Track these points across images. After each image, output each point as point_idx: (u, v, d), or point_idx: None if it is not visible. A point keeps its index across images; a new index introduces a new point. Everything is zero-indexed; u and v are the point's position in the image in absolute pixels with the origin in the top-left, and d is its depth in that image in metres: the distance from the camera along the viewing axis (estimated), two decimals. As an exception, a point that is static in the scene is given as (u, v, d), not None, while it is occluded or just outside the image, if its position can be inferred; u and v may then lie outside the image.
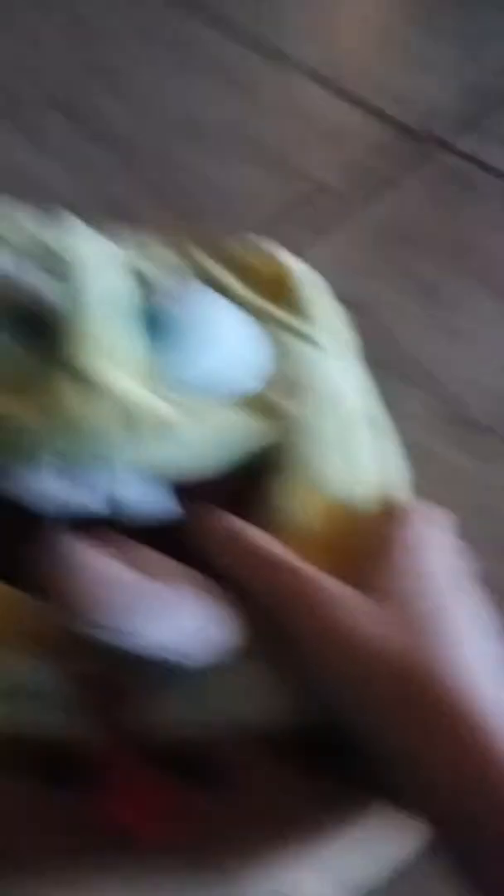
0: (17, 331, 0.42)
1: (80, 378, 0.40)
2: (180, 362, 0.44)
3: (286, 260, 0.53)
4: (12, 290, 0.45)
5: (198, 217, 0.66)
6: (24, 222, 0.51)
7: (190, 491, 0.41)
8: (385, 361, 0.47)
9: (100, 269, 0.42)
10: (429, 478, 0.43)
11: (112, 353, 0.41)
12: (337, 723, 0.32)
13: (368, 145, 0.78)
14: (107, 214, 0.59)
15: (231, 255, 0.52)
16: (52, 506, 0.39)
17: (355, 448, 0.43)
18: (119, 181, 0.68)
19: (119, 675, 0.34)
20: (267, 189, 0.73)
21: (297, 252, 0.52)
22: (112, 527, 0.40)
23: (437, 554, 0.35)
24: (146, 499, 0.40)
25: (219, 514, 0.37)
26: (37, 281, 0.46)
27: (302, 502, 0.40)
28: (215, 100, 0.76)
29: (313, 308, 0.51)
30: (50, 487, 0.39)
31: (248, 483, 0.42)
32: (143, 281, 0.50)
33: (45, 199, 0.61)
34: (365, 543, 0.36)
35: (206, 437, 0.42)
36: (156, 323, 0.44)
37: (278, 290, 0.51)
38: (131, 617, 0.32)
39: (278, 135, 0.77)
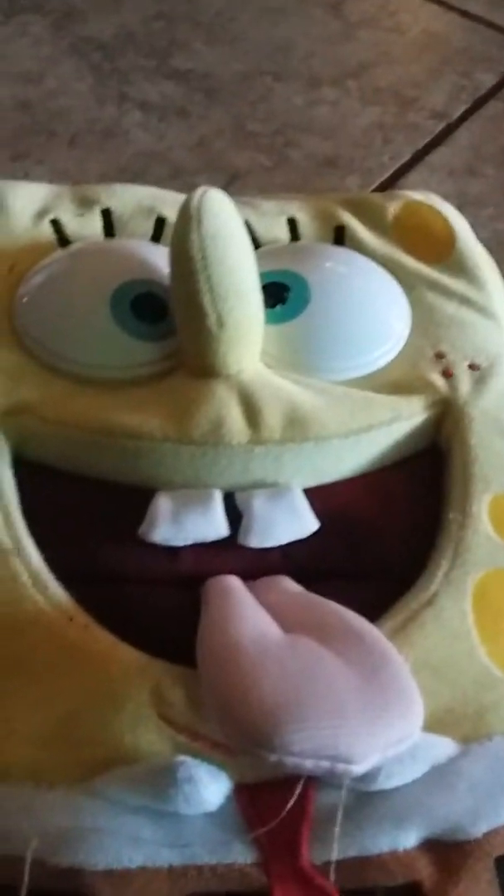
0: (136, 318, 0.39)
1: (206, 372, 0.37)
2: (314, 336, 0.40)
3: (448, 214, 0.46)
4: (128, 272, 0.40)
5: (305, 159, 0.60)
6: (139, 194, 0.46)
7: (328, 497, 0.37)
8: None
9: (222, 237, 0.37)
10: None
11: (239, 336, 0.37)
12: None
13: (473, 59, 0.67)
14: (208, 168, 0.55)
15: (375, 210, 0.46)
16: (179, 538, 0.35)
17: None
18: (224, 136, 0.61)
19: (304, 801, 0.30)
20: (373, 119, 0.64)
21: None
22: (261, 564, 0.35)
23: None
24: (277, 516, 0.36)
25: None
26: (154, 258, 0.41)
27: (474, 501, 0.36)
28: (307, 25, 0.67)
29: (480, 270, 0.44)
30: (178, 513, 0.35)
31: (400, 481, 0.38)
32: (267, 244, 0.44)
33: (145, 156, 0.57)
34: None
35: (348, 429, 0.37)
36: (284, 292, 0.41)
37: (436, 249, 0.44)
38: (335, 743, 0.28)
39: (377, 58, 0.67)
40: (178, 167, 0.59)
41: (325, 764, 0.28)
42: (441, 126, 0.64)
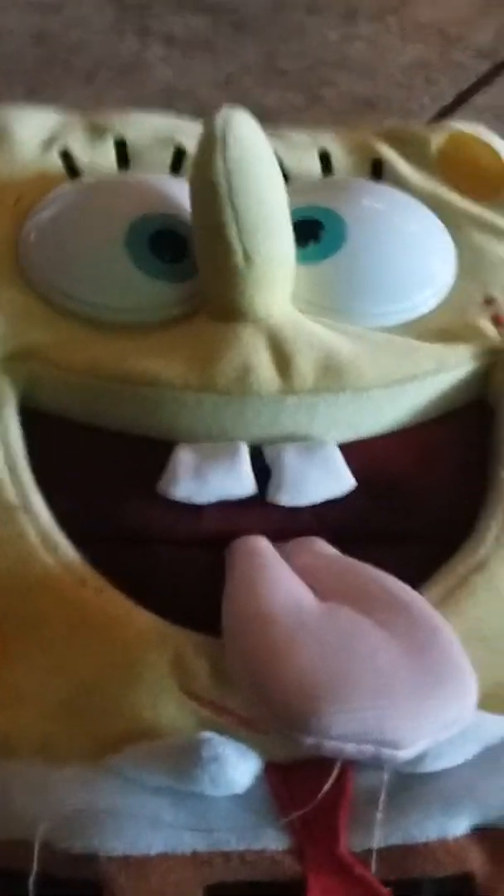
0: (154, 256, 0.36)
1: (232, 315, 0.34)
2: (350, 278, 0.37)
3: (499, 147, 0.42)
4: (145, 206, 0.37)
5: (339, 99, 0.56)
6: (156, 123, 0.42)
7: (366, 452, 0.34)
8: None
9: (249, 162, 0.34)
10: None
11: (268, 275, 0.34)
12: None
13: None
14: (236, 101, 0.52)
15: (418, 142, 0.43)
16: (202, 494, 0.32)
17: None
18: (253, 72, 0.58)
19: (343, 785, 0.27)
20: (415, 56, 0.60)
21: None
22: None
23: None
24: (310, 472, 0.33)
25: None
26: (173, 191, 0.38)
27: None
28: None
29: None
30: (200, 467, 0.32)
31: (445, 437, 0.36)
32: (297, 178, 0.41)
33: (167, 93, 0.54)
34: None
35: (389, 378, 0.34)
36: (317, 229, 0.37)
37: (485, 186, 0.41)
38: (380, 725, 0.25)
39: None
40: (203, 106, 0.55)
41: (369, 749, 0.25)
42: (487, 66, 0.60)
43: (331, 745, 0.25)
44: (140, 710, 0.28)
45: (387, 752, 0.25)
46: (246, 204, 0.33)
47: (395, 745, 0.25)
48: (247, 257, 0.33)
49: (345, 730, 0.25)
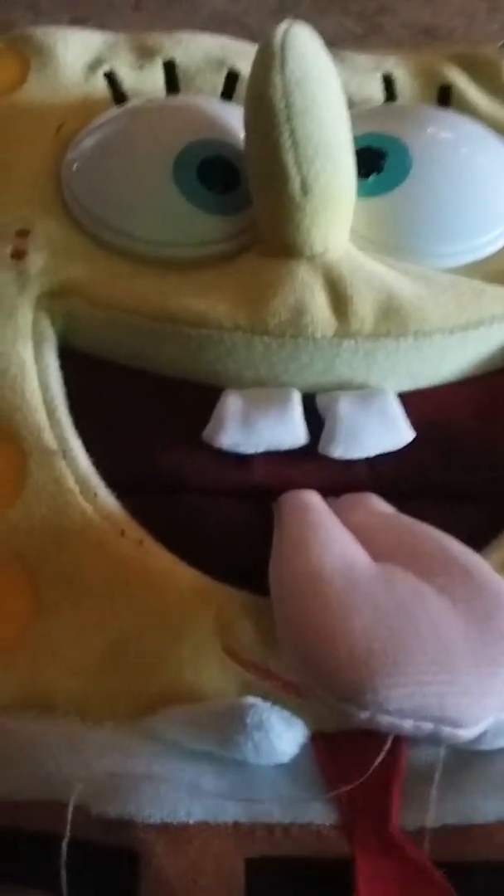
0: (204, 186, 0.33)
1: (286, 250, 0.31)
2: (414, 213, 0.34)
3: None
4: (195, 131, 0.34)
5: (400, 27, 0.53)
6: (208, 44, 0.39)
7: (427, 403, 0.32)
8: None
9: (310, 82, 0.31)
10: None
11: (327, 207, 0.31)
12: None
13: None
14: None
15: (490, 67, 0.39)
16: (250, 443, 0.30)
17: None
18: None
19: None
20: None
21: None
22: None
23: None
24: (366, 422, 0.31)
25: None
26: (225, 116, 0.35)
27: None
28: None
29: None
30: (249, 414, 0.30)
31: None
32: (359, 104, 0.38)
33: (217, 20, 0.51)
34: None
35: (454, 323, 0.32)
36: (380, 159, 0.35)
37: None
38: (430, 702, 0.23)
39: None
40: (255, 34, 0.52)
41: (428, 726, 0.23)
42: None
43: (387, 721, 0.23)
44: (180, 671, 0.27)
45: (447, 730, 0.23)
46: (305, 127, 0.30)
47: (456, 724, 0.23)
48: (304, 186, 0.30)
49: (403, 705, 0.23)
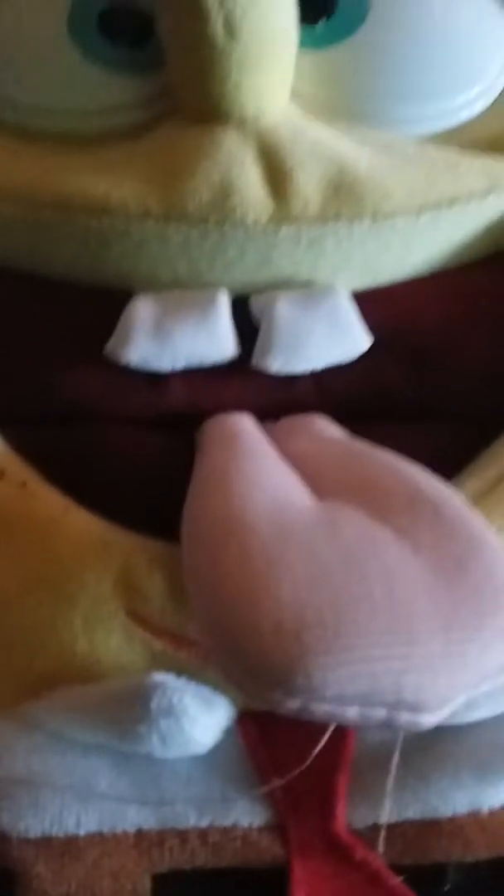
0: (106, 39, 0.28)
1: (209, 113, 0.27)
2: (373, 67, 0.29)
3: None
4: None
5: None
6: None
7: (388, 303, 0.28)
8: None
9: None
10: None
11: (259, 56, 0.26)
12: None
13: None
14: None
15: None
16: (165, 358, 0.26)
17: None
18: None
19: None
20: None
21: None
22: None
23: None
24: (311, 328, 0.27)
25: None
26: None
27: None
28: None
29: None
30: (162, 322, 0.26)
31: (490, 285, 0.29)
32: None
33: None
34: None
35: (421, 201, 0.27)
36: (333, 4, 0.29)
37: None
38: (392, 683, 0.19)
39: None
40: None
41: (380, 713, 0.19)
42: None
43: (323, 710, 0.19)
44: (71, 642, 0.23)
45: (405, 716, 0.19)
46: None
47: (416, 708, 0.19)
48: (228, 27, 0.25)
49: (345, 689, 0.18)
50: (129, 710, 0.21)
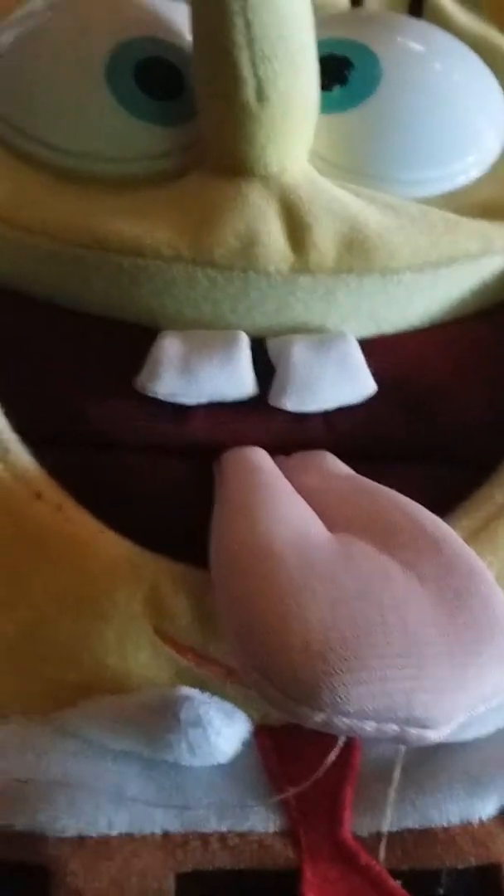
0: (141, 91, 0.29)
1: (237, 168, 0.28)
2: (382, 133, 0.31)
3: None
4: (132, 27, 0.30)
5: None
6: None
7: (391, 350, 0.29)
8: None
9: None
10: None
11: (286, 117, 0.27)
12: None
13: None
14: None
15: None
16: (190, 393, 0.27)
17: None
18: None
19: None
20: None
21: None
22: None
23: None
24: (323, 371, 0.27)
25: None
26: (168, 9, 0.31)
27: None
28: None
29: None
30: (189, 360, 0.27)
31: (486, 336, 0.30)
32: (325, 6, 0.34)
33: None
34: None
35: (424, 259, 0.29)
36: (345, 69, 0.31)
37: None
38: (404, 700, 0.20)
39: None
40: None
41: (392, 728, 0.20)
42: None
43: (345, 724, 0.20)
44: (103, 656, 0.23)
45: (414, 732, 0.20)
46: (263, 20, 0.26)
47: (424, 724, 0.20)
48: (260, 91, 0.26)
49: (365, 705, 0.20)
50: (160, 719, 0.22)
